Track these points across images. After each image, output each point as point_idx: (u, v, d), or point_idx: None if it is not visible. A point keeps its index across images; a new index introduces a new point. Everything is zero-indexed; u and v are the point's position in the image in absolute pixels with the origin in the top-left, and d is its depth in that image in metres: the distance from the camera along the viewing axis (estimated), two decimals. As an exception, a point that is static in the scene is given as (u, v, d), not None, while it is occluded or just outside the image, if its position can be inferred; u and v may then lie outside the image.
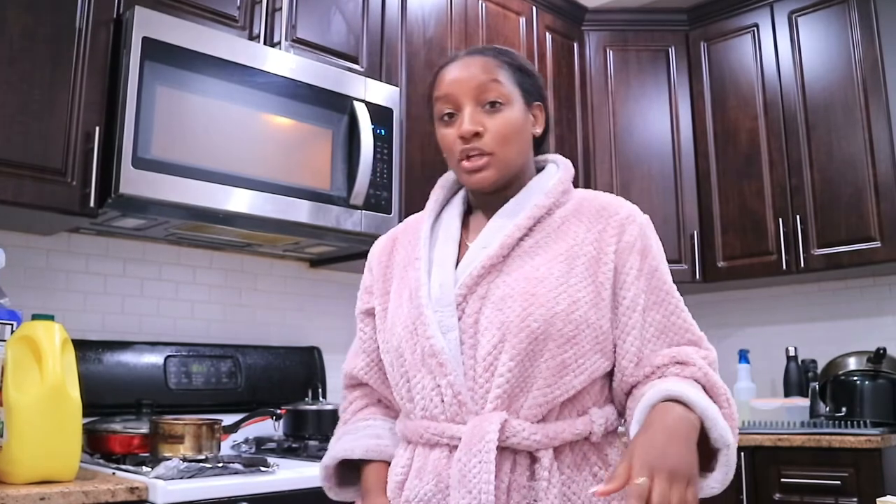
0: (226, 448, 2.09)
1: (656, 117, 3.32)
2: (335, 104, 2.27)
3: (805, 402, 2.87)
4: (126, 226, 2.11)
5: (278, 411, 2.19)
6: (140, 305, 2.31)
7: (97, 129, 1.86)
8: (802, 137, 2.99)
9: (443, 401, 1.07)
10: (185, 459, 1.67)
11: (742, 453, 2.54)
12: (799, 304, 3.26)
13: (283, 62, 2.18)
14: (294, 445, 2.16)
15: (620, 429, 1.14)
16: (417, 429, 1.10)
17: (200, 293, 2.44)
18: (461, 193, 1.27)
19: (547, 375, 1.05)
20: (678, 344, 1.11)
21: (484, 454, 1.00)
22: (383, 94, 2.39)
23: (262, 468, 1.73)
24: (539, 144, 1.25)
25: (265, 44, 2.22)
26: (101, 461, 1.82)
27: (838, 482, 2.41)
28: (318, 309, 2.68)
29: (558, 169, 1.22)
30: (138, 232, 2.20)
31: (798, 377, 3.05)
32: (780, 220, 3.01)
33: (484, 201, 1.21)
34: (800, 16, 3.07)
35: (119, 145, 1.85)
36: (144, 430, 1.85)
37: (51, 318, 1.61)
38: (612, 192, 1.25)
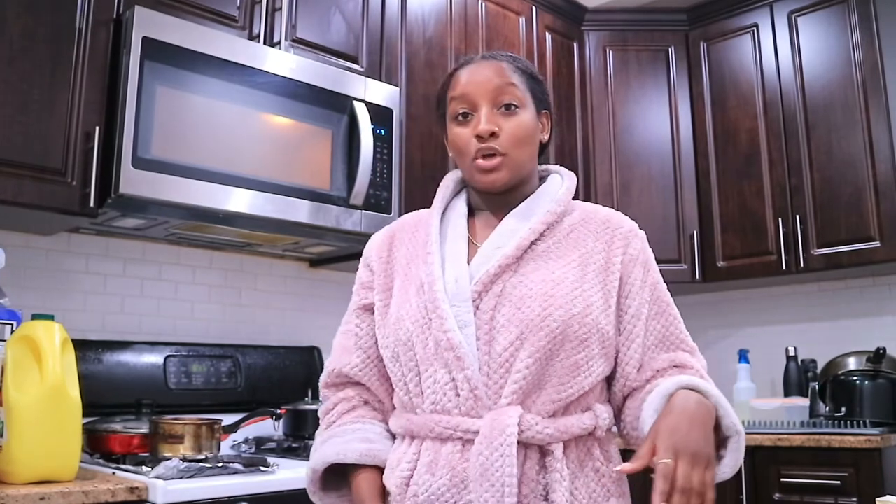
0: (226, 448, 2.09)
1: (656, 117, 3.32)
2: (335, 104, 2.27)
3: (805, 402, 2.87)
4: (126, 226, 2.11)
5: (278, 411, 2.19)
6: (140, 305, 2.31)
7: (97, 128, 1.86)
8: (802, 137, 2.99)
9: (457, 395, 1.08)
10: (184, 459, 1.67)
11: (742, 453, 2.54)
12: (799, 304, 3.26)
13: (283, 62, 2.18)
14: (294, 445, 2.16)
15: (614, 429, 1.19)
16: (427, 423, 1.10)
17: (200, 293, 2.44)
18: (463, 193, 1.29)
19: (561, 374, 1.09)
20: (675, 351, 1.18)
21: (506, 447, 1.02)
22: (383, 93, 2.39)
23: (262, 468, 1.73)
24: (541, 152, 1.28)
25: (265, 44, 2.22)
26: (101, 461, 1.82)
27: (838, 482, 2.42)
28: (318, 309, 2.68)
29: (563, 179, 1.26)
30: (138, 232, 2.20)
31: (798, 377, 3.05)
32: (780, 219, 3.01)
33: (490, 202, 1.24)
34: (799, 16, 3.07)
35: (119, 145, 1.85)
36: (144, 430, 1.85)
37: (51, 318, 1.61)
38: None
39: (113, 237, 2.25)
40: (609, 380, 1.19)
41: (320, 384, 1.29)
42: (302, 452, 2.09)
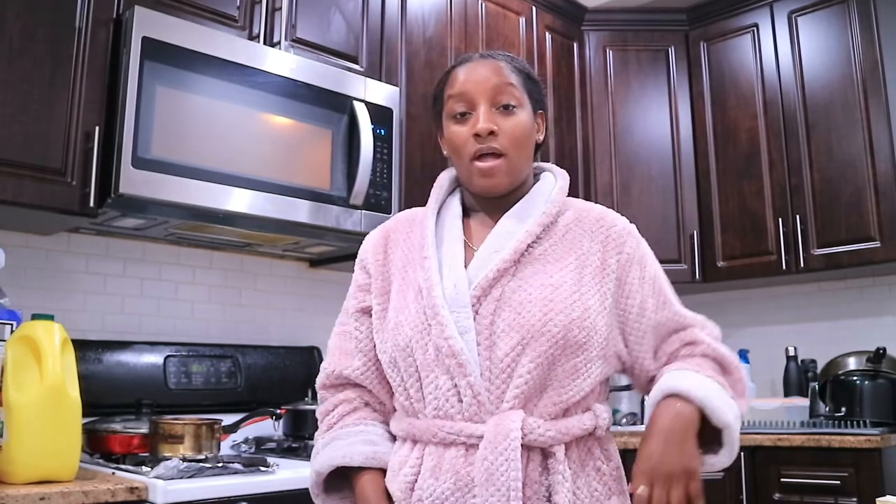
0: (226, 448, 2.09)
1: (656, 117, 3.32)
2: (335, 104, 2.27)
3: (805, 402, 2.87)
4: (126, 226, 2.11)
5: (278, 411, 2.19)
6: (140, 305, 2.31)
7: (97, 128, 1.86)
8: (802, 137, 2.99)
9: (460, 401, 1.08)
10: (184, 459, 1.67)
11: (742, 453, 2.54)
12: (799, 304, 3.26)
13: (283, 62, 2.18)
14: (294, 445, 2.16)
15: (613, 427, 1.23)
16: (430, 428, 1.10)
17: (200, 293, 2.44)
18: (457, 194, 1.28)
19: (562, 378, 1.10)
20: (684, 328, 1.20)
21: (510, 452, 1.03)
22: (383, 93, 2.39)
23: (262, 468, 1.73)
24: (535, 153, 1.27)
25: (265, 44, 2.22)
26: (101, 461, 1.82)
27: (838, 482, 2.41)
28: (318, 309, 2.68)
29: (556, 178, 1.25)
30: (138, 232, 2.20)
31: (798, 377, 3.05)
32: (780, 219, 3.01)
33: (485, 203, 1.23)
34: (799, 16, 3.07)
35: (119, 145, 1.85)
36: (144, 430, 1.85)
37: (51, 317, 1.61)
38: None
39: (113, 237, 2.25)
40: (628, 373, 1.22)
41: (318, 385, 1.28)
42: (302, 452, 2.09)
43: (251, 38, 2.21)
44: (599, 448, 1.14)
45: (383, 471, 1.16)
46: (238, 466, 1.71)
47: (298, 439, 2.19)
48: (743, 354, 3.18)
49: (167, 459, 1.66)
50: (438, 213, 1.26)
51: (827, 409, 2.83)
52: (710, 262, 3.18)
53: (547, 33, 3.18)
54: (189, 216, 2.03)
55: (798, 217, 2.96)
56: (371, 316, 1.23)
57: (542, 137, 1.26)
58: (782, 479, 2.53)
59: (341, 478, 1.19)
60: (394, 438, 1.19)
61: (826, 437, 2.46)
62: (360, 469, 1.16)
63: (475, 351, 1.09)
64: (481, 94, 1.17)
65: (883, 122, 2.80)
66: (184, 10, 2.08)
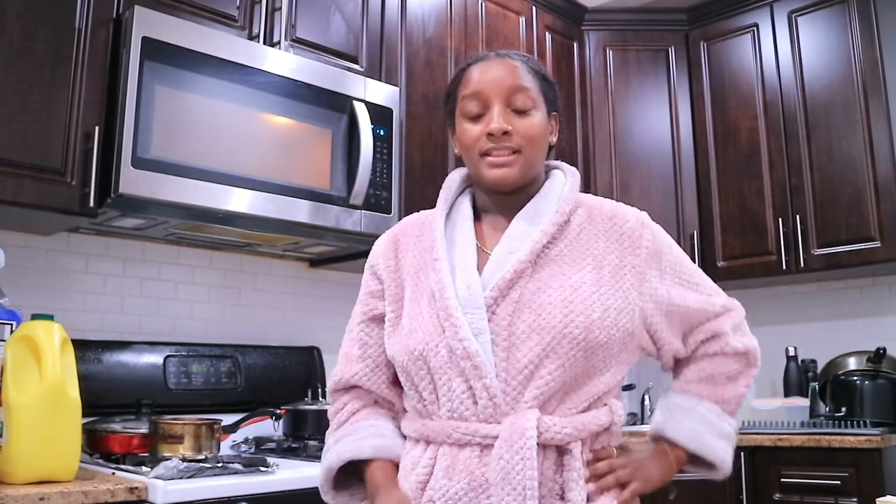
0: (225, 448, 2.09)
1: (656, 117, 3.32)
2: (335, 104, 2.27)
3: (805, 402, 2.87)
4: (126, 225, 2.11)
5: (278, 411, 2.19)
6: (140, 305, 2.31)
7: (97, 128, 1.86)
8: (802, 137, 2.99)
9: (475, 402, 1.08)
10: (184, 459, 1.67)
11: (742, 453, 2.55)
12: (799, 304, 3.26)
13: (283, 62, 2.18)
14: (294, 445, 2.16)
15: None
16: (444, 429, 1.10)
17: (200, 293, 2.44)
18: (467, 195, 1.27)
19: (582, 378, 1.10)
20: (708, 319, 1.22)
21: (526, 451, 1.03)
22: (383, 93, 2.39)
23: (262, 468, 1.73)
24: (548, 154, 1.27)
25: (265, 43, 2.22)
26: (101, 461, 1.82)
27: (838, 482, 2.41)
28: (318, 309, 2.68)
29: (566, 176, 1.25)
30: (138, 232, 2.20)
31: (798, 377, 3.05)
32: (780, 219, 3.01)
33: (497, 202, 1.22)
34: (799, 16, 3.07)
35: (118, 145, 1.85)
36: (144, 430, 1.85)
37: (50, 317, 1.61)
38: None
39: (112, 237, 2.25)
40: (654, 356, 1.24)
41: (328, 390, 1.30)
42: (301, 452, 2.09)
43: (251, 37, 2.21)
44: (612, 444, 1.16)
45: (394, 463, 1.16)
46: (238, 466, 1.71)
47: (298, 439, 2.19)
48: (743, 354, 3.17)
49: (167, 459, 1.66)
50: (449, 214, 1.25)
51: (827, 409, 2.83)
52: (711, 262, 3.18)
53: (547, 33, 3.18)
54: (189, 216, 2.03)
55: (798, 217, 2.96)
56: (381, 322, 1.23)
57: (555, 139, 1.25)
58: (782, 480, 2.53)
59: (351, 476, 1.20)
60: (404, 436, 1.19)
61: (826, 438, 2.47)
62: (369, 461, 1.17)
63: (490, 352, 1.08)
64: (496, 94, 1.17)
65: (883, 122, 2.80)
66: (183, 9, 2.08)
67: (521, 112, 1.17)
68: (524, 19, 3.08)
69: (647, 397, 3.32)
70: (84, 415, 1.61)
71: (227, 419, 2.07)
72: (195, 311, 2.42)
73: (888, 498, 1.27)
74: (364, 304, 1.26)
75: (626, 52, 3.36)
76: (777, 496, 2.53)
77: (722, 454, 1.19)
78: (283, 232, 2.23)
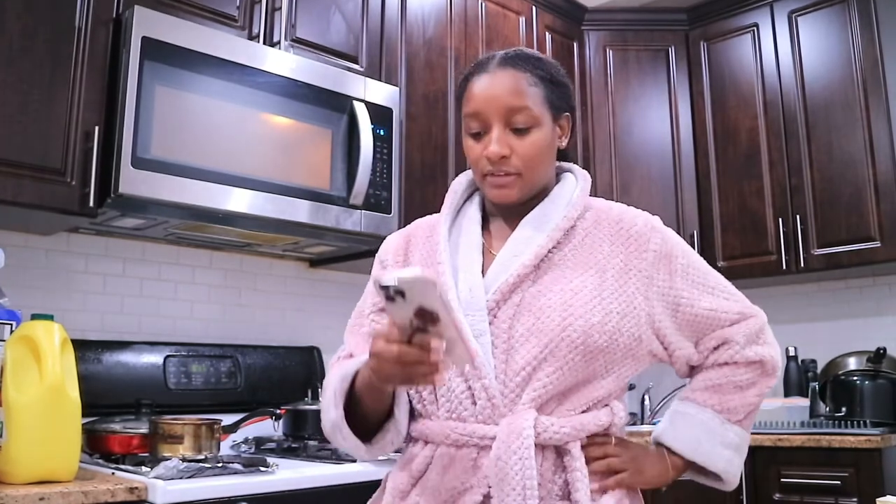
0: (225, 448, 2.09)
1: (656, 117, 3.31)
2: (335, 104, 2.27)
3: (805, 402, 2.87)
4: (125, 225, 2.11)
5: (278, 411, 2.19)
6: (139, 305, 2.31)
7: (97, 128, 1.86)
8: (802, 137, 2.99)
9: (474, 403, 1.09)
10: (184, 459, 1.67)
11: (742, 453, 2.54)
12: (799, 304, 3.26)
13: (283, 62, 2.17)
14: (293, 445, 2.16)
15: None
16: (443, 429, 1.10)
17: (200, 293, 2.44)
18: (477, 197, 1.27)
19: (580, 382, 1.10)
20: (721, 327, 1.19)
21: (523, 450, 1.03)
22: (383, 93, 2.39)
23: (262, 468, 1.73)
24: (561, 157, 1.26)
25: (265, 43, 2.22)
26: (101, 461, 1.82)
27: (838, 482, 2.41)
28: (318, 309, 2.68)
29: (577, 180, 1.24)
30: (138, 232, 2.20)
31: (798, 377, 3.05)
32: (780, 219, 3.01)
33: (504, 209, 1.22)
34: (800, 15, 3.07)
35: (118, 145, 1.85)
36: (144, 430, 1.85)
37: (50, 317, 1.60)
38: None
39: (112, 237, 2.25)
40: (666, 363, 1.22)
41: (331, 362, 1.27)
42: (301, 452, 2.09)
43: (251, 37, 2.21)
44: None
45: None
46: (238, 466, 1.71)
47: (298, 439, 2.19)
48: (743, 354, 3.17)
49: (167, 459, 1.66)
50: (456, 217, 1.25)
51: (827, 409, 2.83)
52: (710, 262, 3.09)
53: (547, 33, 3.18)
54: (189, 216, 2.03)
55: (798, 217, 2.96)
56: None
57: (565, 142, 1.23)
58: (782, 479, 2.53)
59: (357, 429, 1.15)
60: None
61: (826, 438, 2.46)
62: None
63: (490, 354, 1.09)
64: (494, 114, 1.15)
65: (883, 122, 2.80)
66: (183, 9, 2.08)
67: (522, 131, 1.15)
68: (524, 19, 3.08)
69: (647, 397, 3.32)
70: (84, 415, 1.60)
71: (227, 419, 2.07)
72: (195, 311, 2.42)
73: (888, 498, 1.26)
74: (374, 296, 1.25)
75: (626, 52, 3.36)
76: (777, 496, 2.53)
77: (723, 464, 1.18)
78: (283, 232, 2.23)
